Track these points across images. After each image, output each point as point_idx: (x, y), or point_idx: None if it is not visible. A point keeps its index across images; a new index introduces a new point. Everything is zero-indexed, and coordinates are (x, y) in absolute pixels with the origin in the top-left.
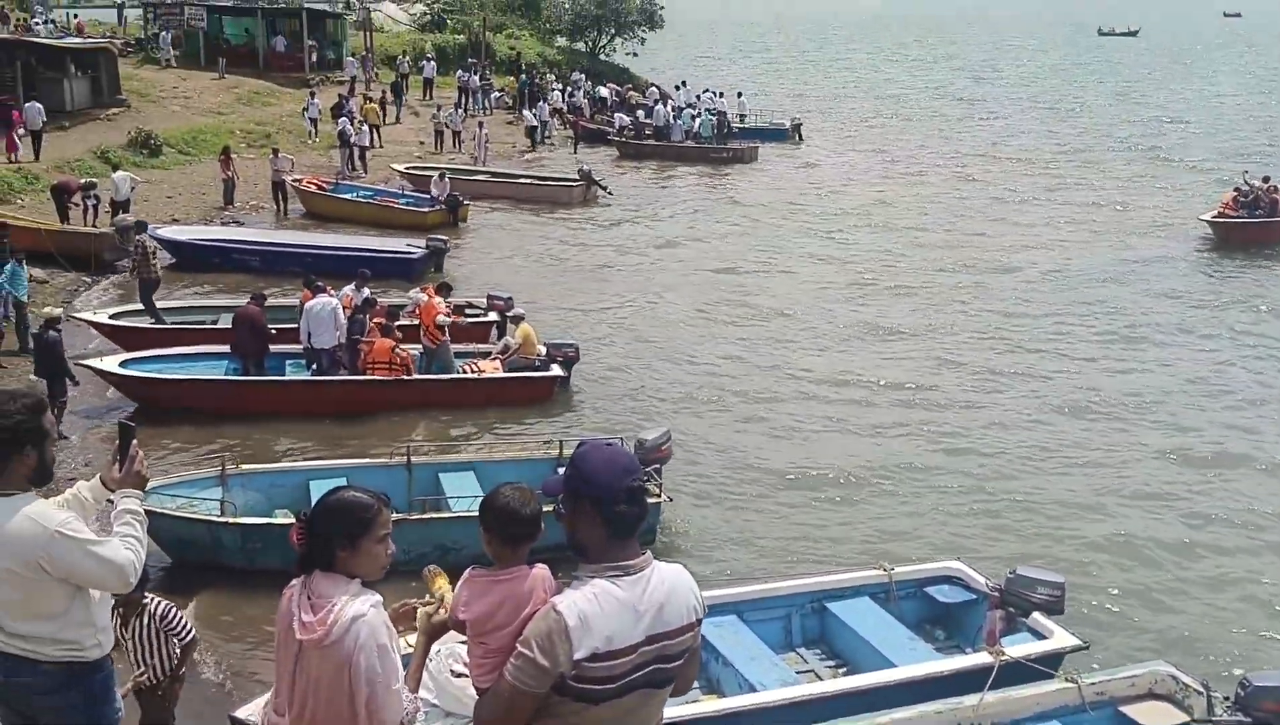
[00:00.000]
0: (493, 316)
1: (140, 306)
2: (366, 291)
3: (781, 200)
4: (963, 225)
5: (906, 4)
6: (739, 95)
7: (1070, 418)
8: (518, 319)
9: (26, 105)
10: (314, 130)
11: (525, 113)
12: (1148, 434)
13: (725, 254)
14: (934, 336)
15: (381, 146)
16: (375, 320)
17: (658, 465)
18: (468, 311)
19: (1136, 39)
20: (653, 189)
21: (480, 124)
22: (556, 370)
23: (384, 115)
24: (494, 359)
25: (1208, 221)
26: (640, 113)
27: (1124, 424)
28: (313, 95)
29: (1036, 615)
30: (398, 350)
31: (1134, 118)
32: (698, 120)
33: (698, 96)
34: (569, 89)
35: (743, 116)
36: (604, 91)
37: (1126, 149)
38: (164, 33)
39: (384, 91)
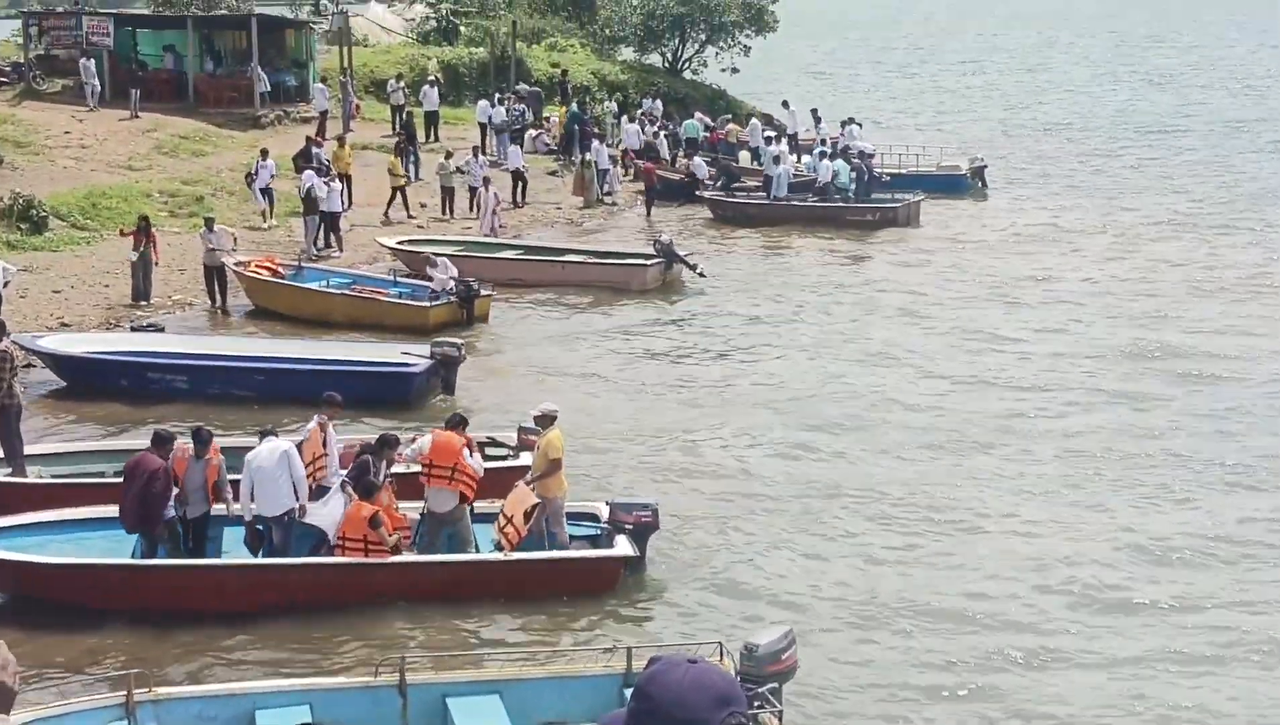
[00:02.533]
0: (527, 458)
1: None
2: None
3: (952, 289)
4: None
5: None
6: (848, 122)
7: None
8: (547, 421)
9: None
10: (268, 209)
11: (584, 158)
12: None
13: (869, 380)
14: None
15: (349, 207)
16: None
17: (775, 685)
18: (489, 450)
19: None
20: (762, 268)
21: (486, 180)
22: (624, 546)
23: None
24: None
25: None
26: (746, 155)
27: None
28: (264, 155)
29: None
30: (379, 521)
31: None
32: (826, 165)
33: (817, 125)
34: (640, 121)
35: (860, 154)
36: (696, 124)
37: None
38: (85, 61)
39: (399, 138)
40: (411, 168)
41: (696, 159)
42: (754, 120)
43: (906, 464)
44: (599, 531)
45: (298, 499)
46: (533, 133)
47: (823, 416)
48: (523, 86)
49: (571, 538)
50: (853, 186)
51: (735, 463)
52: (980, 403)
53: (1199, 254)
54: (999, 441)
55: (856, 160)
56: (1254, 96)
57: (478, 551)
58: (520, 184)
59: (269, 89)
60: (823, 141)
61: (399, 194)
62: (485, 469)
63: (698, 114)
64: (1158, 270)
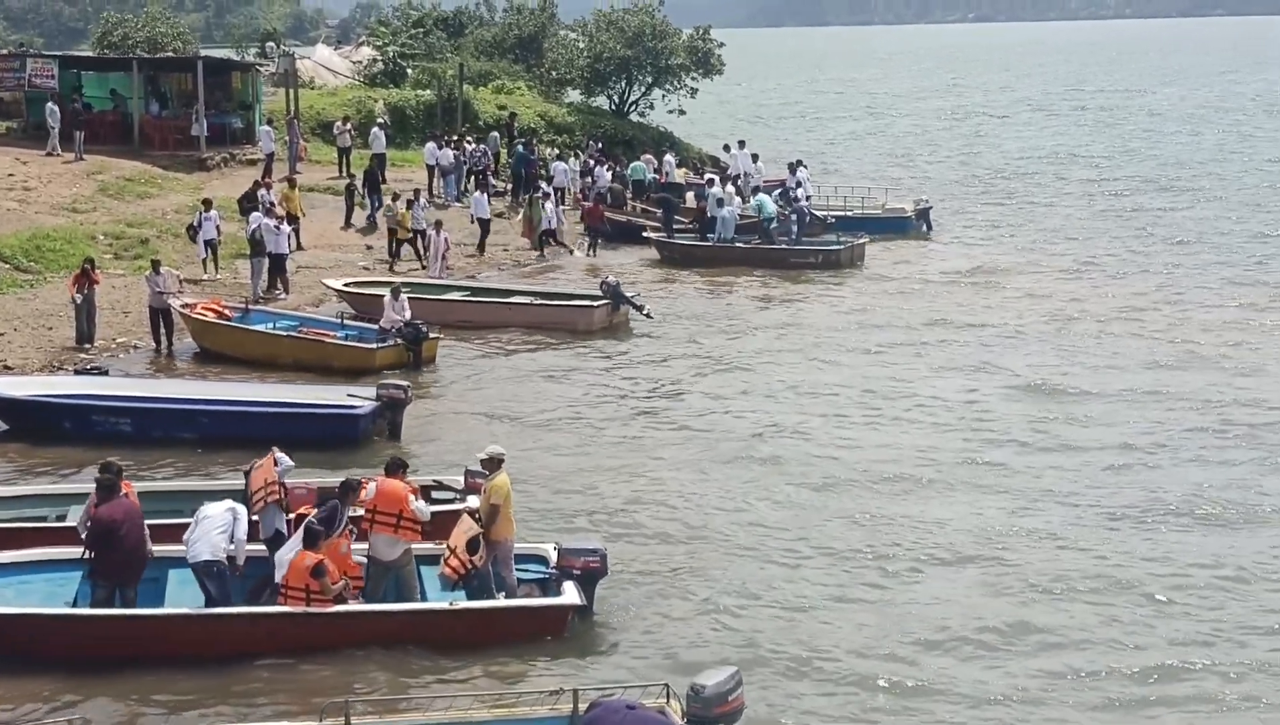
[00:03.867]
0: (474, 501)
1: None
2: (281, 458)
3: (891, 331)
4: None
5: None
6: (797, 165)
7: None
8: (494, 464)
9: None
10: (211, 260)
11: (532, 199)
12: None
13: (813, 423)
14: None
15: (299, 249)
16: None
17: None
18: (435, 493)
19: None
20: (708, 310)
21: (438, 224)
22: (572, 593)
23: (348, 213)
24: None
25: None
26: (692, 196)
27: None
28: (207, 206)
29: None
30: (322, 571)
31: None
32: (747, 202)
33: (755, 161)
34: (584, 163)
35: (785, 192)
36: (643, 166)
37: None
38: (51, 105)
39: (350, 182)
40: (369, 206)
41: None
42: (732, 152)
43: (853, 504)
44: (547, 575)
45: (235, 555)
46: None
47: (769, 459)
48: (495, 136)
49: (520, 581)
50: (793, 227)
51: (683, 505)
52: (928, 441)
53: (1133, 294)
54: (942, 480)
55: (805, 203)
56: (1193, 142)
57: (424, 599)
58: (484, 232)
59: (206, 133)
60: (757, 189)
61: (407, 246)
62: (432, 513)
63: (645, 156)
64: (1086, 311)
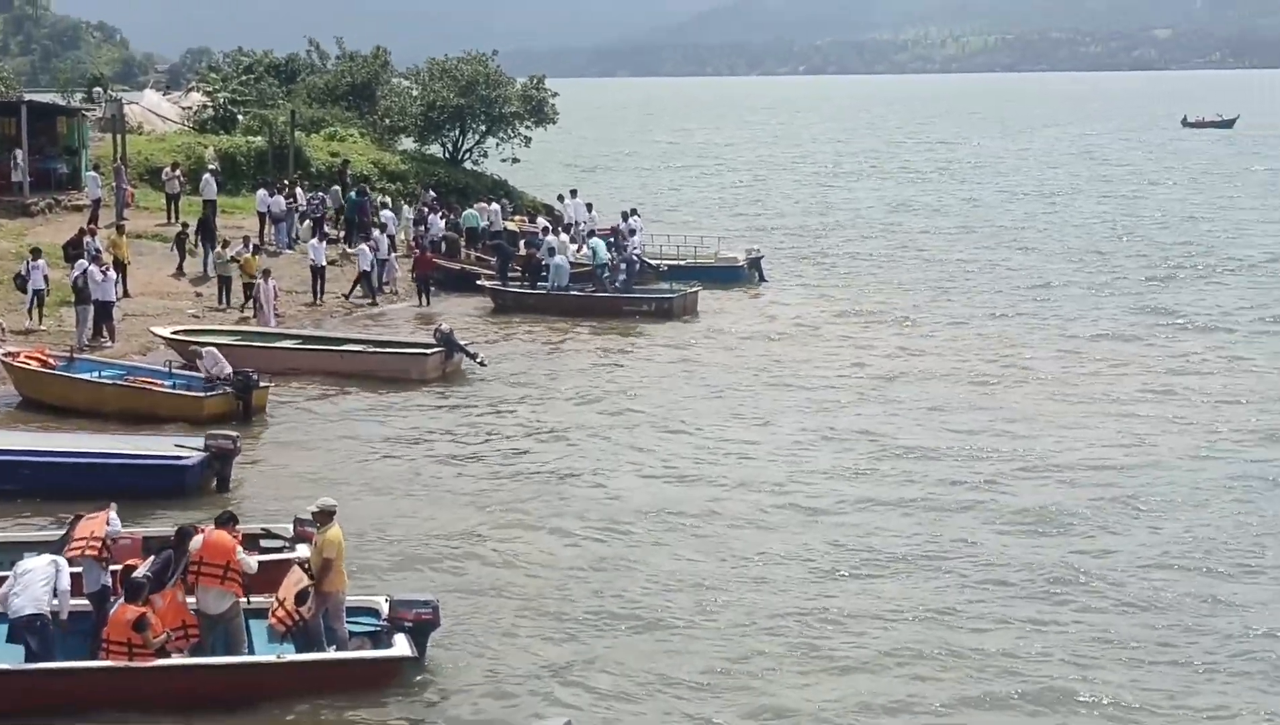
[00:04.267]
0: (304, 550)
1: None
2: (114, 520)
3: (719, 378)
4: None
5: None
6: (630, 213)
7: None
8: (325, 517)
9: None
10: (37, 308)
11: (362, 248)
12: None
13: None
14: None
15: (126, 296)
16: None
17: None
18: (264, 542)
19: (1231, 130)
20: (541, 358)
21: (265, 272)
22: (403, 645)
23: (180, 260)
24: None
25: None
26: (523, 245)
27: None
28: (35, 255)
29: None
30: (144, 624)
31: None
32: (579, 249)
33: (590, 210)
34: (418, 211)
35: (616, 240)
36: (475, 214)
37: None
38: None
39: (182, 229)
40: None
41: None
42: (566, 201)
43: (678, 552)
44: (379, 627)
45: (59, 609)
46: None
47: (599, 508)
48: (337, 190)
49: (351, 634)
50: (621, 275)
51: (516, 555)
52: (746, 488)
53: (958, 344)
54: (758, 522)
55: (638, 251)
56: (1015, 194)
57: (251, 652)
58: (320, 280)
59: (28, 178)
60: (592, 232)
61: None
62: (261, 562)
63: (478, 204)
64: (912, 362)
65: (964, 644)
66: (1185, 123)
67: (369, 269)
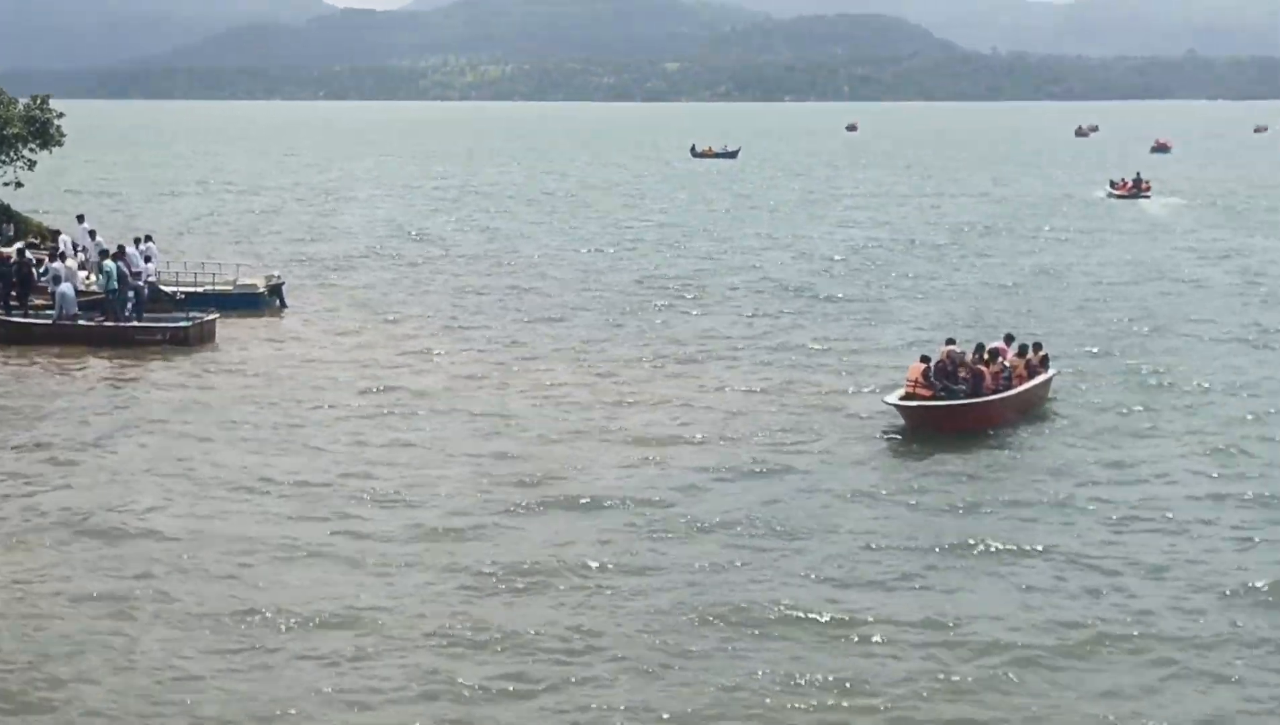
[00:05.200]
0: None
1: None
2: None
3: (240, 410)
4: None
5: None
6: (144, 239)
7: None
8: None
9: None
10: None
11: None
12: None
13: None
14: None
15: None
16: None
17: None
18: None
19: (736, 161)
20: (49, 392)
21: None
22: None
23: None
24: None
25: (895, 405)
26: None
27: None
28: None
29: None
30: None
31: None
32: (90, 279)
33: (94, 237)
34: None
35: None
36: None
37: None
38: None
39: None
40: None
41: None
42: (63, 236)
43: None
44: None
45: None
46: None
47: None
48: None
49: None
50: (129, 302)
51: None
52: (259, 520)
53: (470, 366)
54: (278, 555)
55: (152, 279)
56: (532, 219)
57: None
58: None
59: None
60: (104, 253)
61: None
62: None
63: None
64: (428, 386)
65: None
66: (694, 153)
67: None
